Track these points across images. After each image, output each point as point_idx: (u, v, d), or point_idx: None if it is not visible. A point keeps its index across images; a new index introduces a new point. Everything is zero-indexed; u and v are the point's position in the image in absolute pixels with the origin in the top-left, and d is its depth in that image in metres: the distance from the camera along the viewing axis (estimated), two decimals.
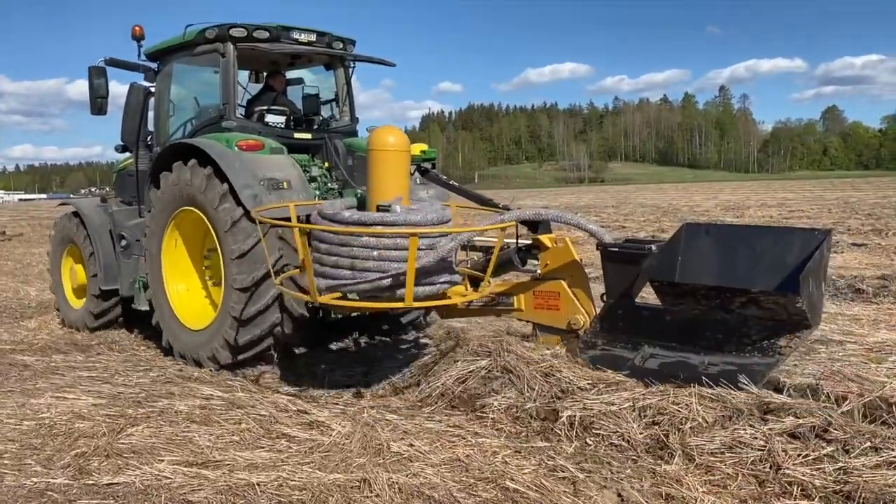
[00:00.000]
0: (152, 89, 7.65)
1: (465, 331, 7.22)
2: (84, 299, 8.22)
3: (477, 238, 5.79)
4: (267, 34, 6.76)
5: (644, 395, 4.22)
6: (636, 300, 4.79)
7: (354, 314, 6.61)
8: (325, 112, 7.56)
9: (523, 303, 5.35)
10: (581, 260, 5.23)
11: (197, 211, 6.28)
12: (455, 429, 4.38)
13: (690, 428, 3.85)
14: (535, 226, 5.36)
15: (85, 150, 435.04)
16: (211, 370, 6.20)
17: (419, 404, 4.87)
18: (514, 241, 5.40)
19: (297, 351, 7.01)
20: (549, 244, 5.23)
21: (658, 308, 4.62)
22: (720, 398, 4.07)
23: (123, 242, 7.59)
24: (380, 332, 7.55)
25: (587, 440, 4.03)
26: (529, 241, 5.39)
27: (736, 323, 4.22)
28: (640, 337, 4.65)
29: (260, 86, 7.77)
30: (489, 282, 5.17)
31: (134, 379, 5.95)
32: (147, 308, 7.17)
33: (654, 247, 4.69)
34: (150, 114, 7.76)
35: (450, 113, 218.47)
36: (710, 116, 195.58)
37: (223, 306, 6.10)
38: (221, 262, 6.09)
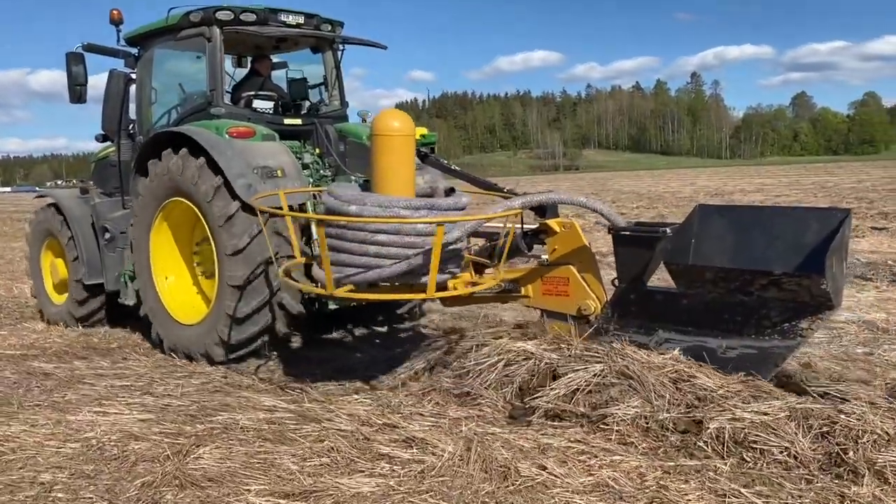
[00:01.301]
0: (133, 76, 7.28)
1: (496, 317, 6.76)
2: (65, 294, 7.82)
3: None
4: (254, 17, 6.48)
5: (801, 402, 3.71)
6: (648, 284, 4.70)
7: (353, 304, 6.39)
8: (312, 97, 7.30)
9: (531, 289, 5.19)
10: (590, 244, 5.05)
11: (186, 202, 6.02)
12: (578, 444, 3.82)
13: (871, 442, 3.35)
14: (543, 210, 5.15)
15: (49, 143, 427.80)
16: (260, 377, 5.61)
17: (521, 415, 4.30)
18: (520, 225, 5.20)
19: (291, 344, 6.66)
20: (557, 229, 5.06)
21: (673, 292, 4.51)
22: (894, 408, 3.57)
23: (107, 235, 7.22)
24: (376, 322, 7.33)
25: (744, 456, 3.50)
26: (535, 226, 5.19)
27: (755, 305, 4.12)
28: (654, 322, 4.55)
29: (242, 70, 7.50)
30: (500, 270, 4.97)
31: (176, 388, 5.33)
32: (134, 302, 6.85)
33: (668, 230, 4.53)
34: (132, 102, 7.39)
35: (423, 101, 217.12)
36: (683, 103, 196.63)
37: (217, 303, 5.85)
38: (214, 256, 5.82)
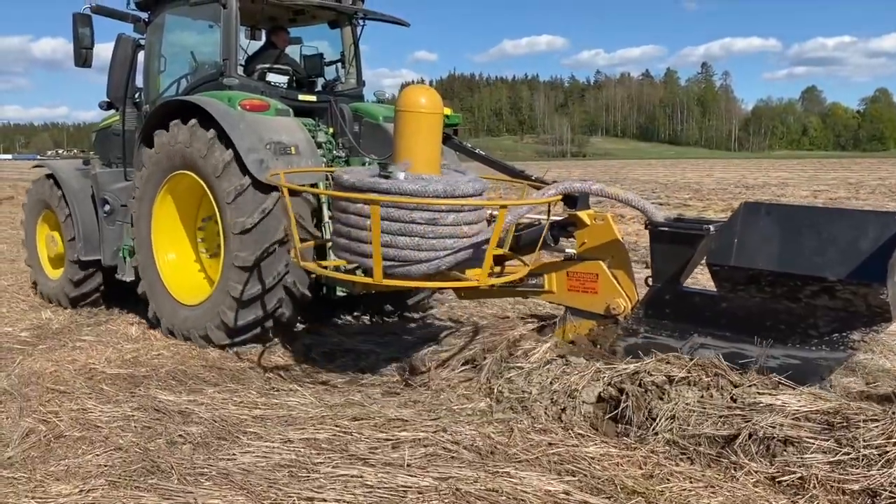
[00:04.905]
0: (142, 42, 6.98)
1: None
2: (61, 269, 7.52)
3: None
4: None
5: None
6: (685, 285, 4.48)
7: (363, 292, 6.11)
8: (327, 74, 7.08)
9: (555, 284, 4.91)
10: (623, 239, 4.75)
11: (193, 175, 5.78)
12: None
13: None
14: (574, 201, 4.82)
15: (49, 111, 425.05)
16: (477, 432, 4.04)
17: None
18: (546, 216, 4.87)
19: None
20: (588, 221, 4.78)
21: (712, 294, 4.29)
22: None
23: (107, 207, 6.95)
24: (384, 310, 7.07)
25: None
26: (562, 217, 4.90)
27: (802, 313, 3.93)
28: (689, 325, 4.33)
29: (255, 45, 7.17)
30: (527, 262, 4.71)
31: (387, 447, 3.78)
32: (132, 279, 6.59)
33: (711, 227, 4.26)
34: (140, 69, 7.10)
35: (430, 81, 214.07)
36: (692, 93, 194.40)
37: (221, 284, 5.57)
38: (220, 234, 5.60)
